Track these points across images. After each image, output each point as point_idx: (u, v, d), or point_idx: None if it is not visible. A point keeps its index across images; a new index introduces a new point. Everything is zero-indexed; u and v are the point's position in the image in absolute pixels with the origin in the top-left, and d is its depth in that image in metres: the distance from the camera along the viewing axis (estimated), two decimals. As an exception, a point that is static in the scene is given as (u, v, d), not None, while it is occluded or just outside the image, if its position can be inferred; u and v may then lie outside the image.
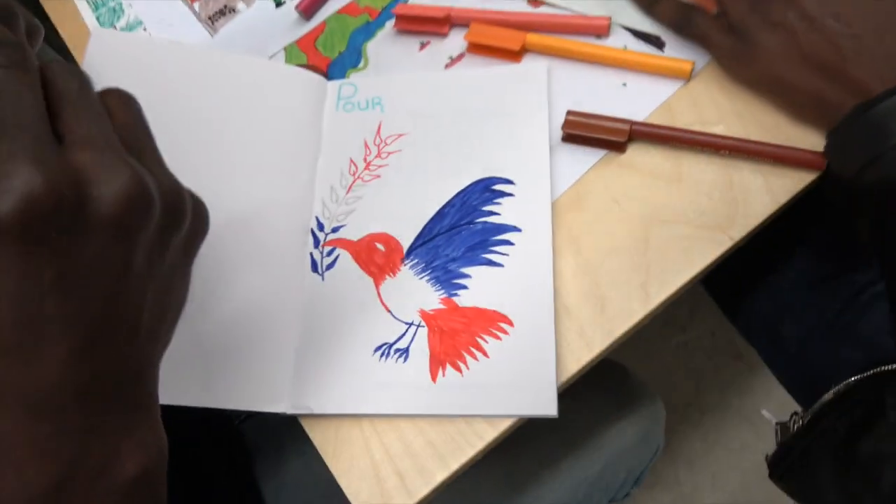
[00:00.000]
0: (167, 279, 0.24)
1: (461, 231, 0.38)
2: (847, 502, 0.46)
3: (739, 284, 0.57)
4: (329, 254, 0.39)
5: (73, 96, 0.22)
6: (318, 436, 0.36)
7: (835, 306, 0.49)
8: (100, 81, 0.39)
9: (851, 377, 0.45)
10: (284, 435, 0.56)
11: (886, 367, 0.42)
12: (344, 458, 0.36)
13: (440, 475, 0.34)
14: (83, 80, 0.24)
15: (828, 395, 0.48)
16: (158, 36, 0.50)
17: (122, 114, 0.25)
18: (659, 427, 0.64)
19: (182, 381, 0.35)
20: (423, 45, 0.45)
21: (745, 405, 1.01)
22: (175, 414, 0.33)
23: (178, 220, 0.23)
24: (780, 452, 0.52)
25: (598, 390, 0.59)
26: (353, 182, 0.41)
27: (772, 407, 0.99)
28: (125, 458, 0.23)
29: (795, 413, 0.52)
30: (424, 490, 0.34)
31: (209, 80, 0.41)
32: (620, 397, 0.61)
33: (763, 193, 0.37)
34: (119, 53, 0.39)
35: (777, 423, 0.55)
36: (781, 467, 0.52)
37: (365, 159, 0.41)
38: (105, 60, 0.39)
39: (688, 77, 0.40)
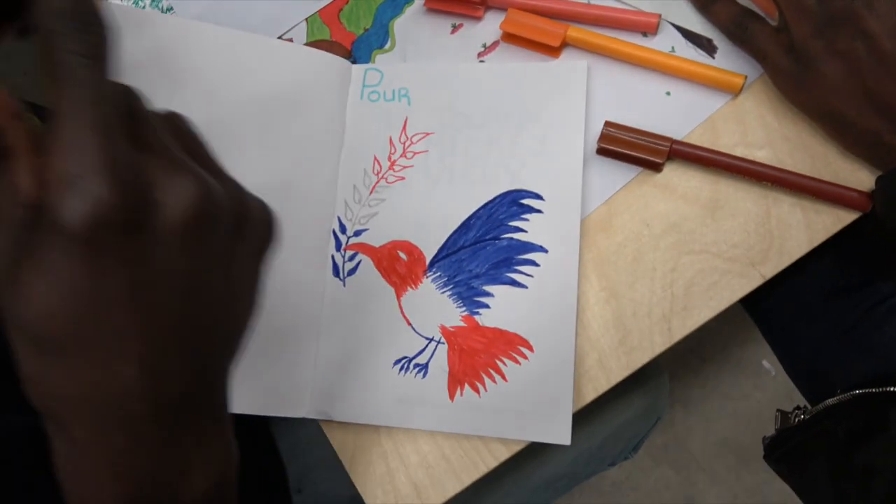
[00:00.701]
0: (238, 288, 0.24)
1: (486, 246, 0.38)
2: (837, 501, 0.48)
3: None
4: (351, 258, 0.39)
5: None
6: (338, 438, 0.38)
7: (853, 315, 0.49)
8: (124, 59, 0.37)
9: (858, 389, 0.46)
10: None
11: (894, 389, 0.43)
12: (361, 462, 0.37)
13: (452, 489, 0.36)
14: (139, 92, 0.23)
15: (832, 400, 0.49)
16: (181, 5, 0.47)
17: (179, 124, 0.24)
18: (663, 400, 0.65)
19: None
20: (455, 28, 0.42)
21: (746, 355, 1.03)
22: None
23: (245, 226, 0.23)
24: (777, 439, 0.54)
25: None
26: (377, 182, 0.40)
27: (773, 358, 1.01)
28: (198, 472, 0.23)
29: (798, 407, 0.53)
30: (437, 501, 0.36)
31: (231, 66, 0.38)
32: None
33: (801, 230, 0.36)
34: (138, 32, 0.37)
35: (778, 411, 0.56)
36: (777, 452, 0.54)
37: (389, 158, 0.40)
38: (128, 38, 0.37)
39: (738, 92, 0.37)
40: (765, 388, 1.01)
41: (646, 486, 1.01)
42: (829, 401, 0.48)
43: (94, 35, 0.20)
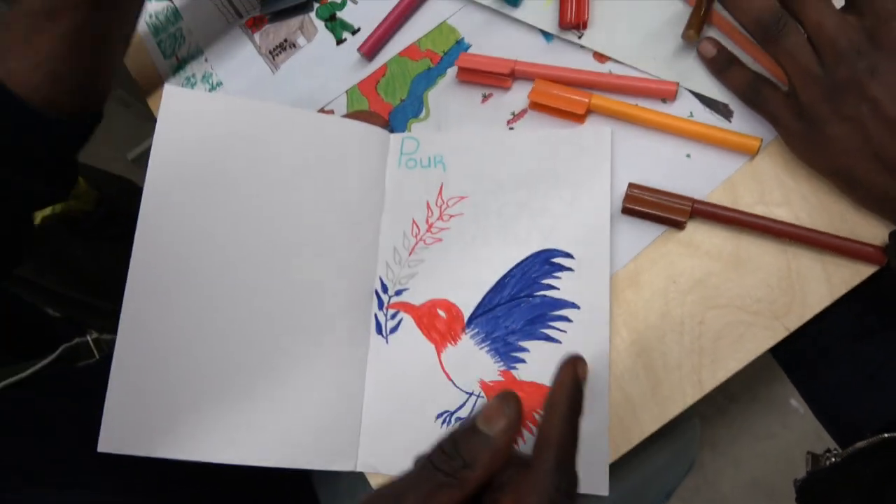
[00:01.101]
0: None
1: (520, 303, 0.40)
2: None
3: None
4: (393, 317, 0.41)
5: None
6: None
7: (878, 358, 0.50)
8: (172, 138, 0.40)
9: (886, 433, 0.47)
10: None
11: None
12: (406, 512, 0.39)
13: (495, 538, 0.37)
14: None
15: (861, 444, 0.49)
16: (227, 75, 0.51)
17: None
18: (694, 445, 0.66)
19: (256, 442, 0.38)
20: (485, 98, 0.45)
21: (773, 395, 1.03)
22: None
23: None
24: (808, 482, 0.54)
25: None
26: (416, 244, 0.42)
27: (800, 397, 1.01)
28: None
29: (829, 450, 0.54)
30: (480, 551, 0.37)
31: (276, 137, 0.42)
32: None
33: (821, 283, 0.37)
34: (190, 111, 0.41)
35: (808, 453, 0.57)
36: (808, 496, 0.54)
37: (427, 221, 0.42)
38: (178, 119, 0.40)
39: (755, 153, 0.40)
40: (793, 427, 1.00)
41: (677, 529, 1.00)
42: (859, 444, 0.49)
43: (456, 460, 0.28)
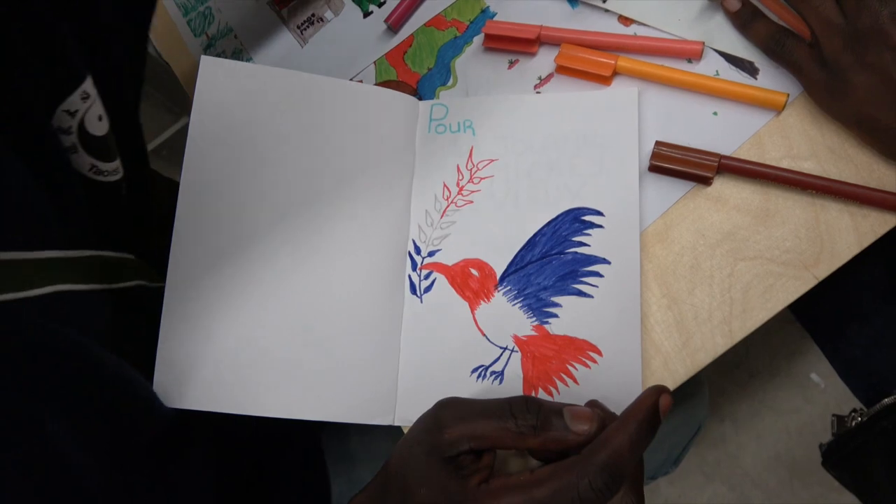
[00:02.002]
0: None
1: (552, 260, 0.41)
2: (898, 500, 0.49)
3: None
4: (426, 277, 0.42)
5: None
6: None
7: (905, 317, 0.50)
8: (209, 107, 0.41)
9: (914, 387, 0.47)
10: (353, 434, 0.62)
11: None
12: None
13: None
14: None
15: (889, 400, 0.50)
16: (257, 51, 0.52)
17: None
18: (702, 409, 0.66)
19: (295, 397, 0.39)
20: (511, 64, 0.46)
21: (794, 369, 1.03)
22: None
23: None
24: (835, 444, 0.55)
25: None
26: (447, 207, 0.43)
27: (822, 371, 1.02)
28: None
29: (854, 410, 0.54)
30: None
31: (310, 106, 0.43)
32: None
33: (849, 233, 0.38)
34: (225, 80, 0.42)
35: (833, 416, 0.57)
36: (835, 457, 0.55)
37: (458, 184, 0.43)
38: (215, 88, 0.42)
39: (781, 109, 0.40)
40: (814, 402, 1.01)
41: (699, 503, 1.01)
42: (886, 400, 0.50)
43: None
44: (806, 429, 1.00)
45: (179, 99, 1.28)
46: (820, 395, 1.01)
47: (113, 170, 0.38)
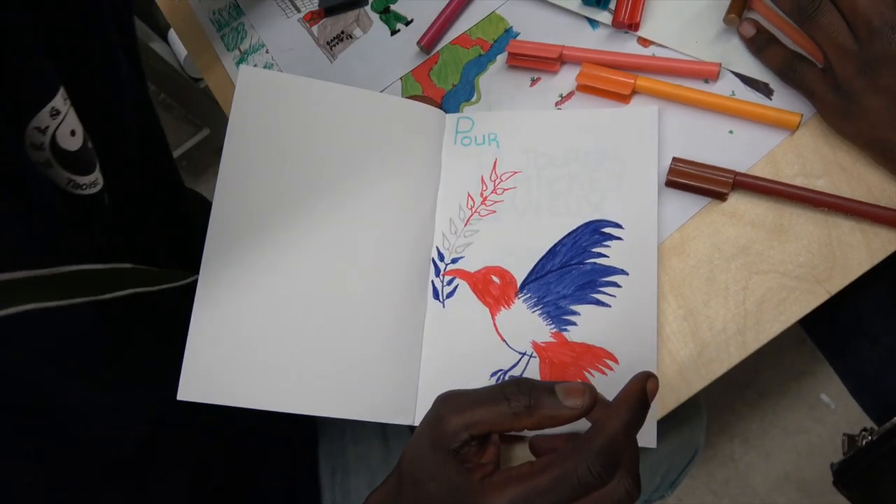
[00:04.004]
0: None
1: (571, 270, 0.42)
2: (911, 519, 0.49)
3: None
4: (449, 283, 0.44)
5: None
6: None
7: (916, 334, 0.51)
8: (247, 113, 0.43)
9: (924, 404, 0.48)
10: (348, 420, 0.63)
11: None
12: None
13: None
14: None
15: (899, 418, 0.50)
16: (288, 65, 0.54)
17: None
18: (699, 434, 0.66)
19: (320, 394, 0.41)
20: (533, 81, 0.48)
21: (803, 389, 1.03)
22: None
23: None
24: (846, 463, 0.55)
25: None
26: (471, 216, 0.45)
27: (832, 392, 1.02)
28: None
29: (865, 429, 0.55)
30: None
31: (342, 115, 0.45)
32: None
33: (861, 250, 0.39)
34: (263, 89, 0.44)
35: (845, 435, 0.58)
36: (846, 477, 0.55)
37: (482, 194, 0.45)
38: (252, 96, 0.44)
39: (795, 128, 0.42)
40: (824, 422, 1.01)
41: (708, 522, 1.01)
42: (896, 419, 0.50)
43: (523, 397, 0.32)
44: (815, 449, 1.00)
45: (200, 112, 1.31)
46: (830, 415, 1.01)
47: (91, 182, 0.38)
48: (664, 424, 0.63)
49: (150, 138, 0.52)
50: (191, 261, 0.48)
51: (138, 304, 0.42)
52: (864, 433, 0.55)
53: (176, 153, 1.36)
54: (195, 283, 0.44)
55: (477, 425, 0.32)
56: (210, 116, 1.30)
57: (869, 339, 0.55)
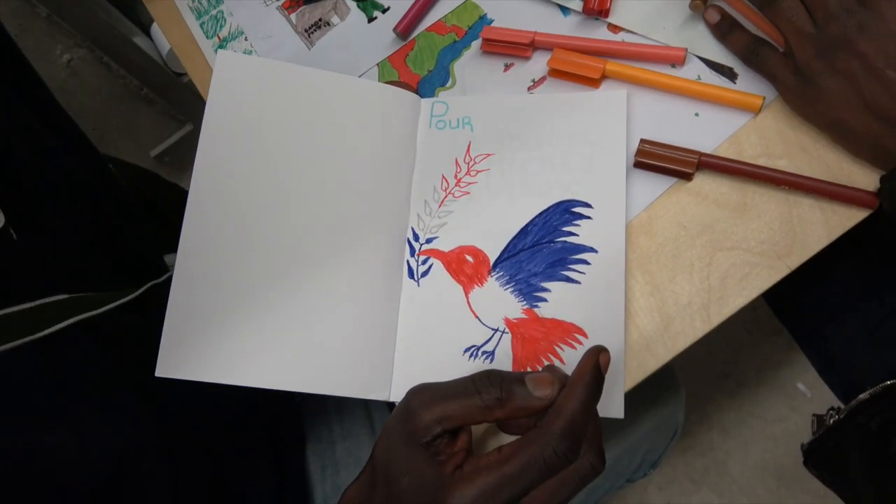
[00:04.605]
0: None
1: (542, 249, 0.43)
2: (877, 493, 0.50)
3: (788, 282, 0.61)
4: (423, 262, 0.45)
5: None
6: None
7: (880, 313, 0.53)
8: (224, 97, 0.44)
9: (889, 380, 0.49)
10: (335, 416, 0.63)
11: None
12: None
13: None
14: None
15: (864, 395, 0.52)
16: (266, 52, 0.55)
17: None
18: (679, 413, 0.68)
19: (296, 369, 0.41)
20: (507, 67, 0.49)
21: (781, 378, 1.05)
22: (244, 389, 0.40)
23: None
24: (815, 443, 0.56)
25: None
26: (445, 197, 0.46)
27: (808, 381, 1.04)
28: None
29: (832, 408, 0.56)
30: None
31: (319, 99, 0.45)
32: (644, 385, 0.65)
33: (820, 226, 0.41)
34: (240, 73, 0.45)
35: (814, 415, 0.59)
36: (816, 457, 0.56)
37: (456, 176, 0.46)
38: (230, 80, 0.44)
39: (758, 111, 0.43)
40: (801, 411, 1.03)
41: (688, 510, 1.02)
42: (861, 396, 0.52)
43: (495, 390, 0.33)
44: (792, 437, 1.02)
45: (183, 107, 1.31)
46: (806, 404, 1.03)
47: None
48: (644, 405, 0.64)
49: (57, 162, 0.51)
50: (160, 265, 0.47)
51: (86, 333, 0.41)
52: (831, 412, 0.56)
53: (158, 148, 1.36)
54: (153, 289, 0.44)
55: (449, 419, 0.33)
56: (193, 112, 1.30)
57: (835, 322, 0.56)
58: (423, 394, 0.34)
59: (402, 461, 0.33)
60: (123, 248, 0.56)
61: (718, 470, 1.02)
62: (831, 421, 0.56)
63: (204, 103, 0.44)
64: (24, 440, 0.36)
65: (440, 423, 0.33)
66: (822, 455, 0.57)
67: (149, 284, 0.52)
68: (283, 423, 0.62)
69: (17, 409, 0.37)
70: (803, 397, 1.04)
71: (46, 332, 0.38)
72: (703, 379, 1.05)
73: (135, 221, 0.61)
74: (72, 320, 0.41)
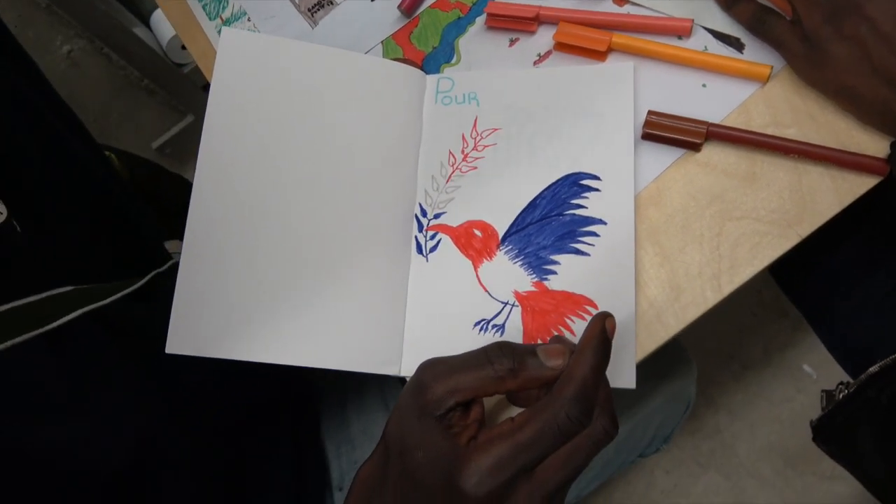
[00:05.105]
0: None
1: (551, 221, 0.43)
2: (887, 467, 0.50)
3: (794, 258, 0.60)
4: (432, 238, 0.45)
5: None
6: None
7: (887, 285, 0.53)
8: (231, 76, 0.44)
9: (897, 352, 0.49)
10: (349, 394, 0.64)
11: (933, 346, 0.46)
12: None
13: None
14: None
15: (874, 368, 0.52)
16: (270, 33, 0.54)
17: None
18: (690, 387, 0.68)
19: (305, 345, 0.41)
20: (512, 42, 0.49)
21: (786, 360, 1.05)
22: (259, 368, 0.40)
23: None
24: (825, 419, 0.56)
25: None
26: (452, 172, 0.46)
27: (813, 362, 1.04)
28: None
29: (841, 382, 0.56)
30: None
31: (325, 75, 0.45)
32: (655, 359, 0.66)
33: (830, 194, 0.41)
34: (245, 51, 0.44)
35: (823, 391, 0.59)
36: (825, 432, 0.56)
37: (463, 151, 0.46)
38: (234, 58, 0.44)
39: (765, 80, 0.43)
40: (807, 392, 1.03)
41: (695, 492, 1.02)
42: (871, 369, 0.52)
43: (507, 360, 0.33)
44: (799, 418, 1.02)
45: (184, 98, 1.31)
46: (812, 385, 1.03)
47: None
48: (656, 379, 0.64)
49: (64, 150, 0.50)
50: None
51: (94, 324, 0.41)
52: (840, 387, 0.56)
53: (160, 140, 1.36)
54: (156, 278, 0.43)
55: (462, 391, 0.33)
56: (194, 103, 1.30)
57: (843, 295, 0.56)
58: (434, 367, 0.34)
59: (416, 435, 0.33)
60: (126, 238, 0.56)
61: (725, 452, 1.02)
62: (840, 396, 0.55)
63: (206, 94, 0.44)
64: (38, 435, 0.36)
65: (453, 396, 0.33)
66: (831, 430, 0.56)
67: (153, 273, 0.51)
68: (297, 402, 0.62)
69: (30, 405, 0.37)
70: (809, 379, 1.04)
71: (55, 324, 0.38)
72: (708, 361, 1.05)
73: (136, 211, 0.61)
74: (79, 312, 0.40)
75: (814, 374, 1.04)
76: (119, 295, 0.44)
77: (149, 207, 0.66)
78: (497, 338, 0.42)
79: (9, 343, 0.35)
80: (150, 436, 0.43)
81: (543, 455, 0.31)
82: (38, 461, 0.36)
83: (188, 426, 0.47)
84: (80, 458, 0.38)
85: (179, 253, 0.42)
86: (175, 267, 0.52)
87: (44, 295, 0.38)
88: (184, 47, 1.14)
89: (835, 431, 0.56)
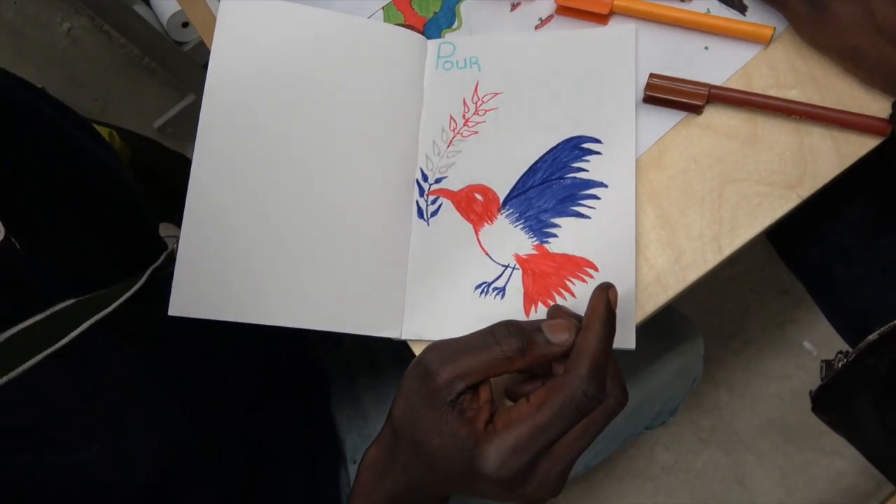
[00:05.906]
0: None
1: (552, 185, 0.43)
2: (887, 435, 0.51)
3: (795, 226, 0.60)
4: (433, 202, 0.45)
5: None
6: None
7: (888, 253, 0.53)
8: (231, 41, 0.44)
9: (896, 319, 0.49)
10: (359, 370, 0.64)
11: (932, 312, 0.46)
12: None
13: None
14: None
15: (873, 336, 0.52)
16: None
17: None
18: (697, 361, 0.68)
19: (307, 307, 0.42)
20: (513, 6, 0.48)
21: (787, 337, 1.06)
22: (269, 343, 0.39)
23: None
24: (824, 388, 0.56)
25: (642, 326, 0.64)
26: (454, 137, 0.46)
27: (814, 339, 1.04)
28: None
29: (840, 352, 0.56)
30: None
31: (326, 41, 0.45)
32: (663, 333, 0.66)
33: (831, 155, 0.41)
34: (247, 16, 0.44)
35: (822, 361, 0.59)
36: (824, 402, 0.56)
37: (464, 116, 0.46)
38: (235, 24, 0.44)
39: (768, 42, 0.43)
40: (807, 369, 1.03)
41: (695, 468, 1.03)
42: (870, 337, 0.52)
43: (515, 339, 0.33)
44: (799, 395, 1.02)
45: (185, 77, 1.30)
46: (812, 362, 1.03)
47: None
48: (664, 352, 0.64)
49: (64, 165, 0.48)
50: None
51: (103, 332, 0.40)
52: (839, 356, 0.56)
53: (161, 120, 1.36)
54: (154, 273, 0.43)
55: (471, 374, 0.32)
56: (195, 82, 1.29)
57: (842, 262, 0.56)
58: (440, 351, 0.33)
59: (430, 423, 0.32)
60: (124, 236, 0.54)
61: (725, 428, 1.03)
62: (839, 364, 0.56)
63: (205, 72, 0.44)
64: (59, 459, 0.34)
65: (462, 379, 0.32)
66: (830, 400, 0.57)
67: (150, 269, 0.50)
68: (307, 379, 0.63)
69: (49, 427, 0.35)
70: (809, 355, 1.04)
71: (65, 340, 0.36)
72: (709, 338, 1.05)
73: (135, 204, 0.59)
74: (88, 323, 0.38)
75: (814, 350, 1.04)
76: (122, 300, 0.43)
77: (145, 195, 0.64)
78: (497, 300, 0.42)
79: (22, 368, 0.33)
80: (174, 444, 0.42)
81: (562, 433, 0.32)
82: (62, 490, 0.34)
83: (203, 417, 0.47)
84: (105, 481, 0.36)
85: (173, 237, 0.40)
86: (170, 257, 0.51)
87: (50, 311, 0.37)
88: (184, 24, 1.14)
89: (834, 401, 0.56)
